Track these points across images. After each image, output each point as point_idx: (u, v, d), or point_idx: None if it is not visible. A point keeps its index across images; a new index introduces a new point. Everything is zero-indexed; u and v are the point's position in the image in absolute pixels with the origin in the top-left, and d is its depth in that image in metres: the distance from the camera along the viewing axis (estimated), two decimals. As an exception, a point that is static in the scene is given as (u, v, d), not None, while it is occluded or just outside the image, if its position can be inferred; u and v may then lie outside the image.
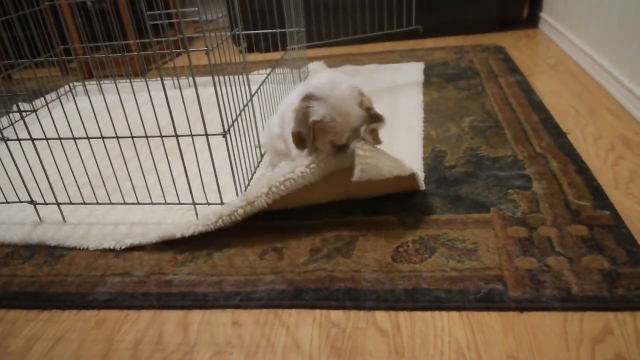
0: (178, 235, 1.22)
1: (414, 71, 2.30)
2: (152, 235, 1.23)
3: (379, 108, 1.88)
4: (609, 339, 0.87)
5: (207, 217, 1.22)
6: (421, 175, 1.39)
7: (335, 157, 1.21)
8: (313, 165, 1.20)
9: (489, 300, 0.97)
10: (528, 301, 0.96)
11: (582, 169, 1.36)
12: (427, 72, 2.29)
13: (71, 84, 2.37)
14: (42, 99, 1.59)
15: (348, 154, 1.19)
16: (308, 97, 1.15)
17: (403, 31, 2.40)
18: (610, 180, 1.32)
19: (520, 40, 2.69)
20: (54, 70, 2.71)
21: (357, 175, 1.16)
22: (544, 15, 2.80)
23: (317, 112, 1.13)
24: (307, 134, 1.17)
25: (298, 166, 1.20)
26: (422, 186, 1.34)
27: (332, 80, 1.16)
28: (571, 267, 1.02)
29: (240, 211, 1.19)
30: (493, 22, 2.88)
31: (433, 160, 1.49)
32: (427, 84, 2.14)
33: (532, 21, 2.97)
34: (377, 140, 1.28)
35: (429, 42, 2.82)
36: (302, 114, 1.16)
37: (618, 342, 0.87)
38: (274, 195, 1.19)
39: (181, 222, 1.25)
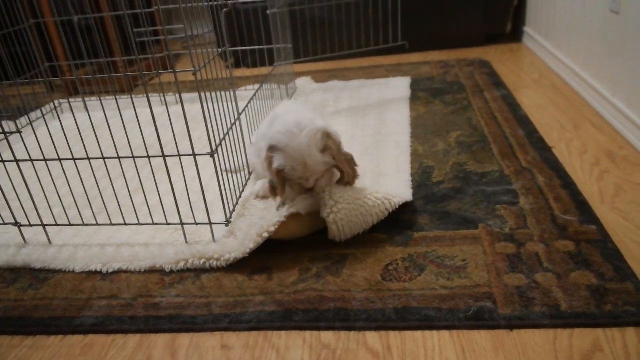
0: (167, 270, 1.21)
1: (400, 86, 2.32)
2: (141, 263, 1.22)
3: (367, 124, 1.91)
4: (599, 356, 0.87)
5: (197, 254, 1.21)
6: (409, 192, 1.40)
7: (307, 200, 1.21)
8: (290, 210, 1.19)
9: (479, 319, 0.97)
10: (518, 319, 0.96)
11: (568, 184, 1.38)
12: (413, 87, 2.31)
13: (56, 102, 2.36)
14: (26, 117, 1.57)
15: (320, 198, 1.20)
16: (271, 148, 1.17)
17: (389, 47, 2.42)
18: (596, 194, 1.33)
19: (504, 54, 2.73)
20: (38, 88, 2.69)
21: (331, 234, 1.19)
22: (527, 29, 2.84)
23: (278, 161, 1.16)
24: (275, 181, 1.20)
25: (275, 217, 1.19)
26: (409, 198, 1.34)
27: (295, 125, 1.14)
28: (559, 284, 1.03)
29: (227, 256, 1.19)
30: (478, 37, 2.91)
31: (421, 177, 1.50)
32: (413, 98, 2.16)
33: (516, 35, 3.02)
34: (350, 180, 1.24)
35: (415, 57, 2.84)
36: (268, 164, 1.19)
37: (607, 359, 0.87)
38: (258, 244, 1.19)
39: (170, 253, 1.23)
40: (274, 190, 1.25)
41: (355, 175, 1.24)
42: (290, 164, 1.14)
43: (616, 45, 1.72)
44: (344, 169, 1.20)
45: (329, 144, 1.15)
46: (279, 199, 1.25)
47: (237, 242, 1.22)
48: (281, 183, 1.21)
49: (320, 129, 1.15)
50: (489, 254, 1.14)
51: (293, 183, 1.19)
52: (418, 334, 0.96)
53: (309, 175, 1.16)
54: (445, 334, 0.95)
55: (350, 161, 1.24)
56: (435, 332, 0.96)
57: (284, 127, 1.15)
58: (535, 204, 1.30)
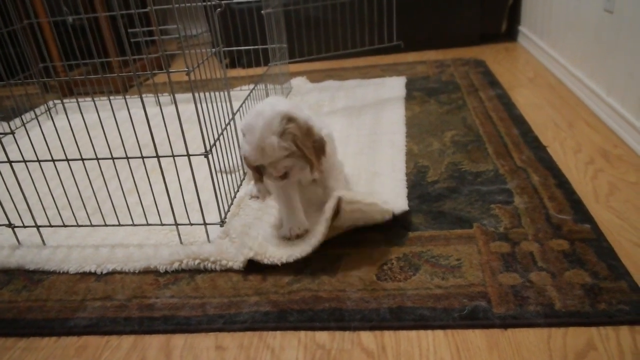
0: (162, 271, 1.20)
1: (396, 86, 2.32)
2: (135, 264, 1.22)
3: (362, 123, 1.91)
4: (593, 355, 0.88)
5: (191, 255, 1.20)
6: (404, 192, 1.40)
7: (290, 190, 1.19)
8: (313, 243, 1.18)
9: (474, 318, 0.97)
10: (512, 318, 0.96)
11: (562, 183, 1.38)
12: (409, 86, 2.31)
13: (51, 102, 2.35)
14: (20, 117, 1.57)
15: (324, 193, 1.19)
16: (242, 135, 1.14)
17: (385, 46, 2.42)
18: (590, 193, 1.33)
19: (499, 53, 2.73)
20: (32, 88, 2.68)
21: (342, 219, 1.17)
22: (522, 28, 2.85)
23: (242, 148, 1.13)
24: (248, 166, 1.17)
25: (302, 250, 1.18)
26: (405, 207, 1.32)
27: (256, 111, 1.11)
28: (554, 283, 1.03)
29: (224, 262, 1.18)
30: (473, 36, 2.92)
31: (416, 176, 1.50)
32: (409, 98, 2.16)
33: (511, 34, 3.02)
34: (313, 170, 1.16)
35: (411, 56, 2.84)
36: (241, 148, 1.16)
37: (601, 357, 0.87)
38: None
39: (164, 254, 1.23)
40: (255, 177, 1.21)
41: (318, 166, 1.16)
42: (249, 149, 1.10)
43: (610, 45, 1.73)
44: (308, 156, 1.12)
45: (289, 128, 1.09)
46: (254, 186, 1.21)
47: (234, 248, 1.21)
48: (251, 170, 1.17)
49: (280, 112, 1.09)
50: (483, 253, 1.14)
51: (266, 172, 1.15)
52: (413, 333, 0.96)
53: (268, 161, 1.11)
54: (439, 333, 0.95)
55: (319, 148, 1.15)
56: (429, 332, 0.96)
57: (248, 115, 1.13)
58: (530, 203, 1.30)
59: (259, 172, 1.16)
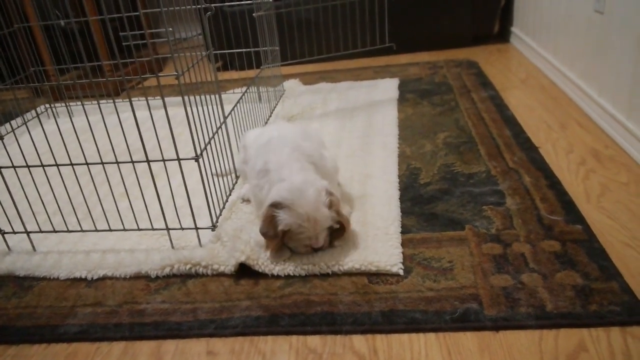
0: (153, 276, 1.19)
1: (388, 88, 2.32)
2: (126, 270, 1.21)
3: (354, 126, 1.91)
4: (584, 356, 0.88)
5: (183, 260, 1.19)
6: (396, 194, 1.40)
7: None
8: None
9: (465, 320, 0.97)
10: (503, 320, 0.96)
11: (554, 184, 1.38)
12: (401, 88, 2.31)
13: (42, 107, 2.33)
14: (11, 122, 1.55)
15: None
16: (275, 205, 1.14)
17: (377, 48, 2.42)
18: (582, 194, 1.34)
19: (492, 54, 2.74)
20: (21, 93, 2.67)
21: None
22: (514, 29, 2.85)
23: (284, 221, 1.12)
24: (273, 238, 1.15)
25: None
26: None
27: (302, 183, 1.15)
28: (545, 284, 1.03)
29: (216, 266, 1.18)
30: (465, 37, 2.92)
31: (408, 178, 1.50)
32: (401, 100, 2.16)
33: (503, 36, 3.03)
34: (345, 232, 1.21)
35: (403, 58, 2.85)
36: (269, 221, 1.14)
37: (592, 359, 0.87)
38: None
39: (156, 259, 1.22)
40: (267, 243, 1.18)
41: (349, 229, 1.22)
42: (299, 221, 1.12)
43: (601, 45, 1.73)
44: (345, 225, 1.19)
45: (333, 200, 1.16)
46: (269, 252, 1.19)
47: (225, 252, 1.20)
48: (280, 242, 1.16)
49: (322, 186, 1.16)
50: (475, 255, 1.14)
51: (299, 244, 1.17)
52: (404, 336, 0.96)
53: (318, 232, 1.15)
54: (431, 336, 0.95)
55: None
56: (421, 335, 0.96)
57: (290, 185, 1.15)
58: (522, 204, 1.30)
59: (282, 242, 1.17)
